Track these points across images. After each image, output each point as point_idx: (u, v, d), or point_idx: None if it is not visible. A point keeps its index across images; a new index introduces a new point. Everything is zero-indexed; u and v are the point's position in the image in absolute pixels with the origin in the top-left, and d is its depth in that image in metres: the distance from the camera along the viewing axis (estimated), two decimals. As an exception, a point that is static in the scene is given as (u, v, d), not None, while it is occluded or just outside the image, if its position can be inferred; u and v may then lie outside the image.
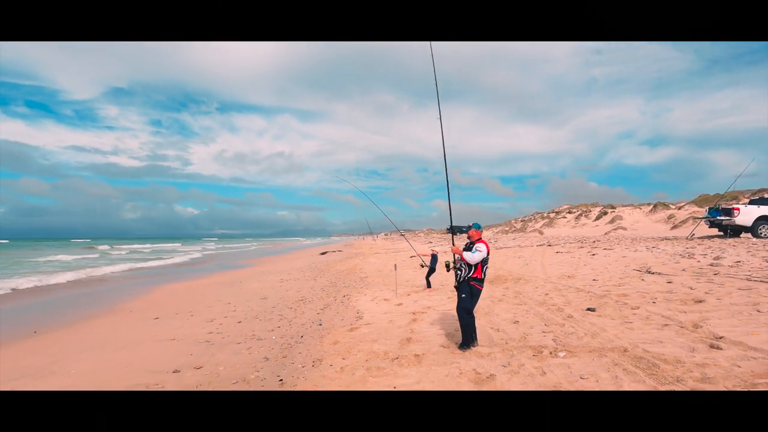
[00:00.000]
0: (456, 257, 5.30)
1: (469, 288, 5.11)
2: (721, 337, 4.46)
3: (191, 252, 42.13)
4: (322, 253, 32.31)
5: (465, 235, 5.47)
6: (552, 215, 57.85)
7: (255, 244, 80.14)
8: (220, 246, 64.09)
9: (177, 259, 30.65)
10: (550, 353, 4.57)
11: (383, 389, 4.04)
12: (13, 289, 14.13)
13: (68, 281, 16.82)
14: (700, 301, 6.01)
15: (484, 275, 5.16)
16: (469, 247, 5.22)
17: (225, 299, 11.17)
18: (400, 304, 8.43)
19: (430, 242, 34.18)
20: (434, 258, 10.06)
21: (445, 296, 8.77)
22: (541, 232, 44.93)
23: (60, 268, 21.77)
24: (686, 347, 4.33)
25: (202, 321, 8.36)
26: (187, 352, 6.20)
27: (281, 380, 4.72)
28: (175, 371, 5.30)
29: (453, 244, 5.46)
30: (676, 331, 4.88)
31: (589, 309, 6.30)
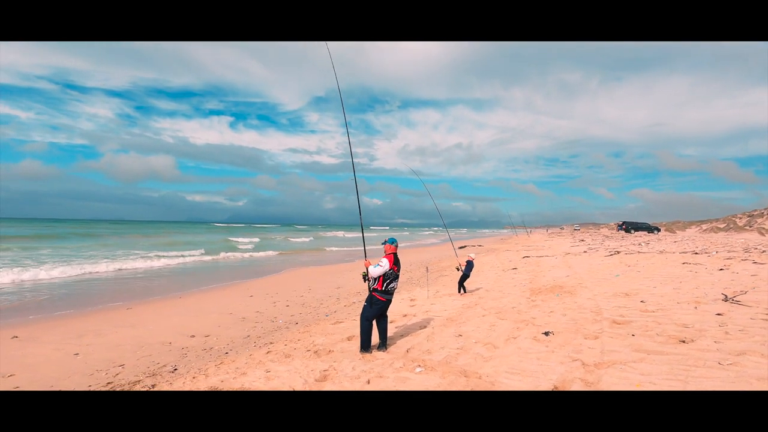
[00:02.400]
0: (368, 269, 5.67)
1: (370, 298, 5.48)
2: None
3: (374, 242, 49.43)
4: (461, 247, 32.59)
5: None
6: (797, 208, 42.56)
7: (434, 237, 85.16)
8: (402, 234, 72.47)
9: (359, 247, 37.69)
10: (412, 367, 4.64)
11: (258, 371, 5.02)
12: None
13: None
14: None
15: (385, 288, 5.42)
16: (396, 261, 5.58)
17: (313, 285, 13.42)
18: (413, 305, 8.81)
19: (583, 240, 30.17)
20: (470, 264, 9.85)
21: (459, 303, 8.65)
22: (763, 232, 33.87)
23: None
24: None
25: (269, 302, 10.56)
26: (222, 323, 8.28)
27: (227, 353, 6.21)
28: (192, 336, 7.39)
29: (387, 249, 5.74)
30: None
31: (545, 333, 5.62)
